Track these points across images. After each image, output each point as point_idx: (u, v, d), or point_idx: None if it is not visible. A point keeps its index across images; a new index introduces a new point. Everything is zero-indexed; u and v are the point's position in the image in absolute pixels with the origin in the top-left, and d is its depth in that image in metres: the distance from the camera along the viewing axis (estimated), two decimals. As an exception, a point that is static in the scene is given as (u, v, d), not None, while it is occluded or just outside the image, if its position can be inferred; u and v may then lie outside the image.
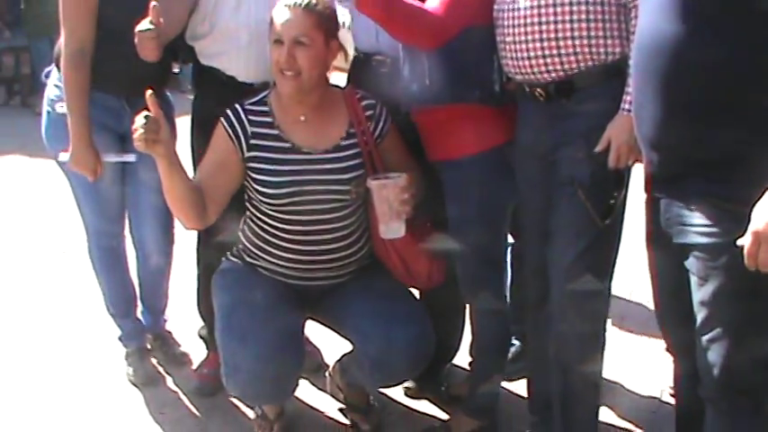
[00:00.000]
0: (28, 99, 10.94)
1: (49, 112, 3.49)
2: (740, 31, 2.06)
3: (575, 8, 2.58)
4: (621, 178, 2.64)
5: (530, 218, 2.92)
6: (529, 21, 2.64)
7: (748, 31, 2.06)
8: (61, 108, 3.34)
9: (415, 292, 3.27)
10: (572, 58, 2.62)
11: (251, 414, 3.39)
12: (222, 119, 2.98)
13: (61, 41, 3.29)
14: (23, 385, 3.79)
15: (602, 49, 2.61)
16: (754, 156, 2.07)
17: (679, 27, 2.13)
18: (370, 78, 3.21)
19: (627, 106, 2.49)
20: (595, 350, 2.85)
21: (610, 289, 2.90)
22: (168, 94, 3.58)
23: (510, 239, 3.32)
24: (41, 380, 3.84)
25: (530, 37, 2.65)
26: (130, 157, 3.37)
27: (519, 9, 2.66)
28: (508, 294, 3.26)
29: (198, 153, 3.27)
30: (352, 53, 3.27)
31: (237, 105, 3.00)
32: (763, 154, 2.03)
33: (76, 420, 3.50)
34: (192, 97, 3.52)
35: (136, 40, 2.82)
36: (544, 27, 2.62)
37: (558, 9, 2.59)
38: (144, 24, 2.80)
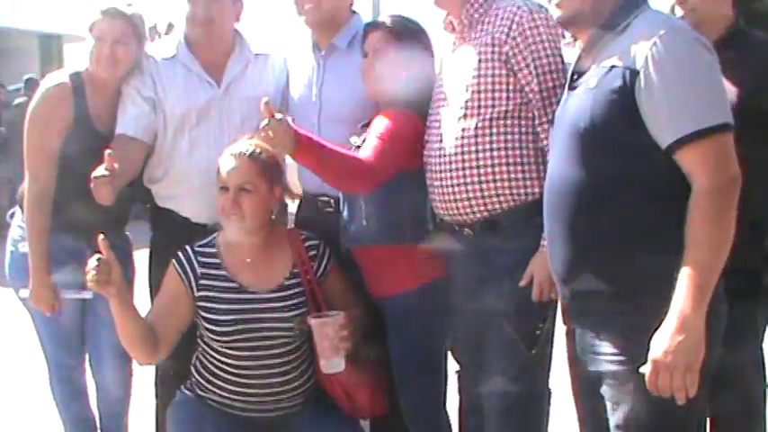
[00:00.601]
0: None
1: (12, 251, 3.61)
2: (636, 180, 2.26)
3: (495, 153, 2.81)
4: (546, 309, 2.81)
5: (464, 350, 3.08)
6: (454, 166, 2.86)
7: (643, 181, 2.26)
8: (23, 248, 3.48)
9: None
10: (494, 199, 2.83)
11: None
12: (173, 260, 3.13)
13: (25, 185, 3.46)
14: None
15: (522, 190, 2.82)
16: (653, 289, 2.23)
17: (581, 172, 2.33)
18: (315, 217, 3.39)
19: (546, 243, 2.66)
20: None
21: (546, 413, 3.01)
22: (127, 233, 3.73)
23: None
24: None
25: (455, 181, 2.86)
26: (88, 294, 3.46)
27: (444, 156, 2.89)
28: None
29: (155, 289, 3.41)
30: (299, 193, 3.45)
31: (188, 247, 3.16)
32: (660, 287, 2.18)
33: None
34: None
35: (91, 186, 2.94)
36: (467, 172, 2.83)
37: (480, 155, 2.82)
38: (99, 171, 2.93)
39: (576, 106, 2.36)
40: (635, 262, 2.27)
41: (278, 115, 2.71)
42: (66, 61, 19.87)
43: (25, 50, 19.40)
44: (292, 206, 3.66)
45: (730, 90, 2.86)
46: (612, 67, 2.27)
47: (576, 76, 2.45)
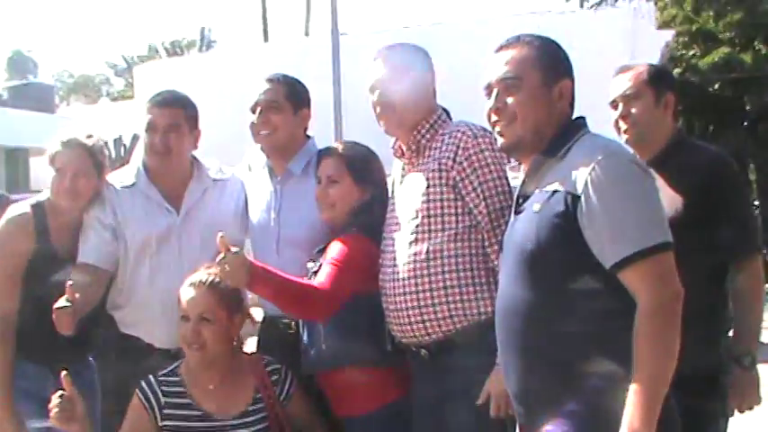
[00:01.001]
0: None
1: (-26, 382, 3.59)
2: (583, 298, 2.33)
3: (446, 276, 2.89)
4: (504, 426, 2.83)
5: None
6: (407, 290, 2.93)
7: (590, 300, 2.33)
8: (-15, 378, 3.46)
9: None
10: (449, 320, 2.90)
11: None
12: (137, 390, 3.14)
13: (-14, 313, 3.48)
14: None
15: (475, 310, 2.89)
16: (605, 404, 2.27)
17: (529, 293, 2.40)
18: (278, 339, 3.43)
19: (499, 360, 2.69)
20: None
21: None
22: (91, 359, 3.73)
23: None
24: None
25: (409, 304, 2.93)
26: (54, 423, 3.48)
27: (398, 279, 2.96)
28: None
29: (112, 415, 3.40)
30: (260, 317, 3.49)
31: (151, 377, 3.17)
32: (614, 402, 2.22)
33: None
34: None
35: (53, 316, 2.97)
36: (421, 295, 2.91)
37: (432, 278, 2.90)
38: (61, 302, 2.96)
39: (522, 230, 2.44)
40: (587, 379, 2.32)
41: (233, 249, 2.78)
42: (32, 173, 19.99)
43: (-9, 163, 19.52)
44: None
45: (674, 198, 3.00)
46: (555, 191, 2.36)
47: (521, 200, 2.54)
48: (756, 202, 19.37)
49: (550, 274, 2.37)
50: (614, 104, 3.29)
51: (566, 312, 2.34)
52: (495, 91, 2.54)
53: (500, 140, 2.58)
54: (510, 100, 2.50)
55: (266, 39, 37.72)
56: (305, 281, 3.08)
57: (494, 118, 2.56)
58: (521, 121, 2.49)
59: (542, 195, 2.41)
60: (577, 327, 2.32)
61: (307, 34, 36.73)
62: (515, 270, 2.46)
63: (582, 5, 24.70)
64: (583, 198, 2.30)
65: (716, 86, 22.34)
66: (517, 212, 2.55)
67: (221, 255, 2.77)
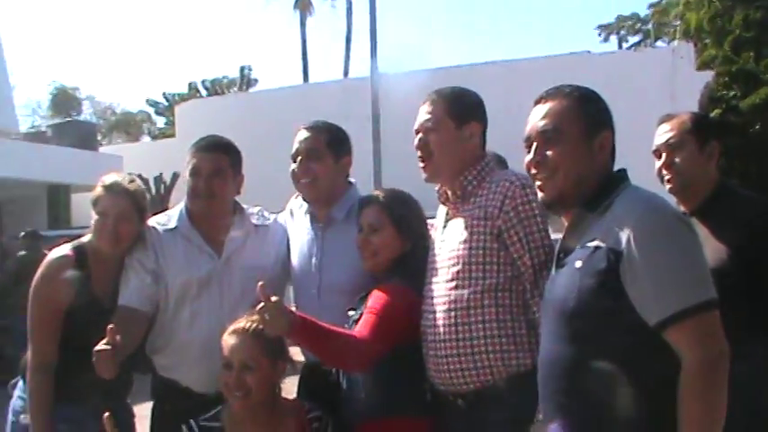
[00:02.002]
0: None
1: (13, 422, 3.59)
2: (626, 357, 2.27)
3: (487, 325, 2.86)
4: None
5: None
6: (447, 337, 2.91)
7: (634, 358, 2.27)
8: (25, 419, 3.47)
9: None
10: (487, 371, 2.86)
11: None
12: None
13: (27, 356, 3.50)
14: None
15: (514, 362, 2.86)
16: None
17: (568, 348, 2.36)
18: (319, 385, 3.39)
19: (540, 416, 2.65)
20: None
21: None
22: (128, 401, 3.73)
23: None
24: None
25: (448, 352, 2.90)
26: (91, 465, 3.49)
27: (438, 326, 2.94)
28: None
29: None
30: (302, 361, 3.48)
31: (192, 422, 3.15)
32: None
33: None
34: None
35: (93, 359, 2.96)
36: (461, 343, 2.88)
37: (473, 327, 2.88)
38: (101, 345, 2.96)
39: (564, 286, 2.40)
40: None
41: (273, 298, 2.77)
42: (74, 210, 20.22)
43: (33, 199, 19.75)
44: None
45: (719, 249, 2.96)
46: (597, 248, 2.32)
47: (562, 255, 2.51)
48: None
49: (592, 330, 2.33)
50: (657, 153, 3.27)
51: (608, 371, 2.28)
52: (534, 144, 2.53)
53: (540, 194, 2.56)
54: (550, 153, 2.49)
55: (306, 78, 38.09)
56: (345, 331, 3.06)
57: (533, 171, 2.55)
58: (562, 174, 2.48)
59: (584, 251, 2.37)
60: (621, 386, 2.27)
61: (346, 74, 37.05)
62: (556, 326, 2.43)
63: (621, 46, 24.69)
64: (625, 254, 2.26)
65: (757, 127, 22.16)
66: (558, 267, 2.52)
67: (261, 304, 2.77)
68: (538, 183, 2.55)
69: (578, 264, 2.36)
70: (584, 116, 2.50)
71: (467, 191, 3.06)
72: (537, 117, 2.54)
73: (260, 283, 2.79)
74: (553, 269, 2.58)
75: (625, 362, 2.28)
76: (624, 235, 2.28)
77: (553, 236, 2.90)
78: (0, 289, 11.90)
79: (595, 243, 2.34)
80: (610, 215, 2.38)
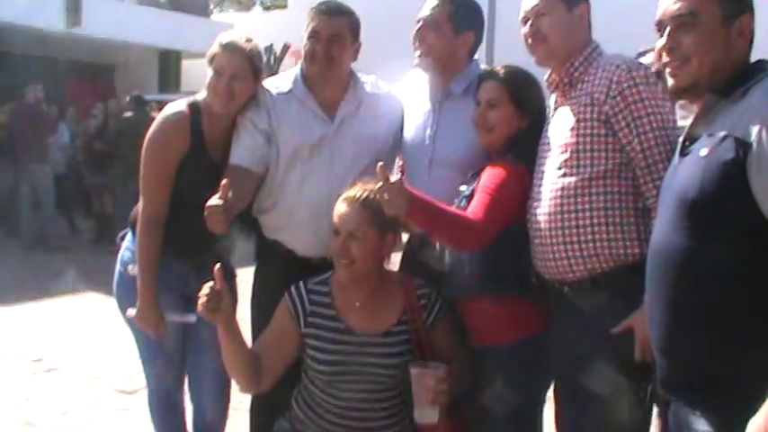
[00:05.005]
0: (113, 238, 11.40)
1: (120, 272, 3.70)
2: (744, 254, 2.15)
3: (595, 213, 2.78)
4: (649, 370, 2.63)
5: (562, 407, 3.03)
6: (552, 225, 2.84)
7: (752, 256, 2.15)
8: (132, 270, 3.56)
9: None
10: (594, 259, 2.79)
11: None
12: (286, 294, 3.17)
13: (138, 208, 3.56)
14: None
15: (621, 251, 2.77)
16: (755, 371, 2.10)
17: (685, 240, 2.23)
18: (420, 259, 3.37)
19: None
20: None
21: None
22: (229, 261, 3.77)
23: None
24: None
25: (554, 240, 2.84)
26: (192, 318, 3.54)
27: (544, 214, 2.87)
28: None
29: (257, 315, 3.50)
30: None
31: (301, 283, 3.18)
32: (763, 370, 2.06)
33: None
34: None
35: (206, 214, 2.98)
36: (566, 231, 2.81)
37: (579, 215, 2.80)
38: (214, 200, 2.97)
39: (686, 174, 2.27)
40: (738, 342, 2.17)
41: (393, 178, 2.75)
42: (184, 76, 20.47)
43: (145, 64, 20.01)
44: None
45: None
46: (725, 137, 2.17)
47: (687, 143, 2.37)
48: None
49: (712, 225, 2.20)
50: None
51: (723, 267, 2.17)
52: (667, 28, 2.37)
53: (670, 82, 2.41)
54: (684, 39, 2.33)
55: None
56: (460, 212, 3.00)
57: (665, 58, 2.39)
58: (696, 62, 2.32)
59: (711, 140, 2.22)
60: (736, 284, 2.16)
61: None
62: (673, 217, 2.30)
63: None
64: (755, 146, 2.10)
65: None
66: (683, 155, 2.38)
67: (380, 183, 2.74)
68: (669, 70, 2.40)
69: (703, 152, 2.22)
70: None
71: (573, 77, 2.96)
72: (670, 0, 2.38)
73: (380, 164, 2.78)
74: (676, 157, 2.45)
75: (742, 258, 2.16)
76: (755, 126, 2.11)
77: (681, 123, 2.78)
78: (102, 152, 12.20)
79: (724, 132, 2.19)
80: (743, 104, 2.22)
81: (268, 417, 3.45)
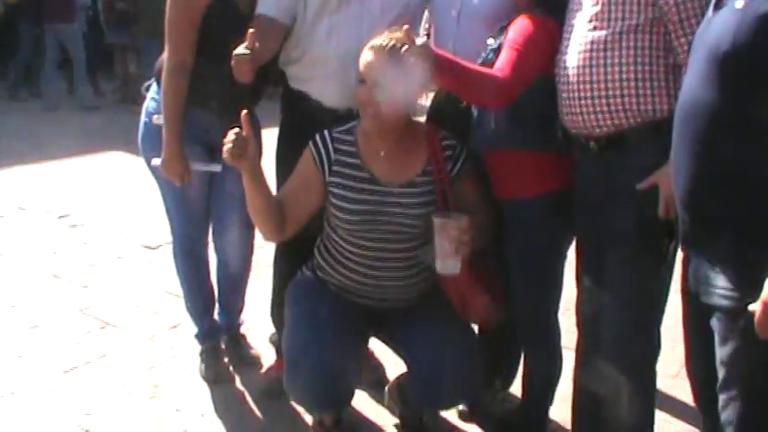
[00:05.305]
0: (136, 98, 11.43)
1: (146, 123, 3.71)
2: None
3: (623, 68, 2.72)
4: (672, 227, 2.66)
5: (583, 263, 3.05)
6: (581, 79, 2.79)
7: None
8: (158, 120, 3.56)
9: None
10: (621, 114, 2.75)
11: (310, 420, 3.52)
12: (311, 142, 3.17)
13: (164, 57, 3.53)
14: (103, 364, 4.04)
15: (650, 107, 2.72)
16: None
17: (716, 94, 2.21)
18: (447, 112, 3.37)
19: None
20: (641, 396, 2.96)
21: (659, 336, 2.98)
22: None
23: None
24: (120, 363, 4.08)
25: (581, 94, 2.79)
26: (216, 167, 3.59)
27: (572, 68, 2.82)
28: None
29: (281, 167, 3.51)
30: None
31: (326, 132, 3.18)
32: None
33: (147, 407, 3.72)
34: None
35: (232, 63, 2.96)
36: (595, 85, 2.76)
37: (608, 69, 2.74)
38: (241, 48, 2.94)
39: (720, 27, 2.22)
40: (762, 198, 2.18)
41: (419, 40, 2.71)
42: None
43: None
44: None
45: None
46: None
47: None
48: None
49: (742, 79, 2.16)
50: None
51: (753, 122, 2.15)
52: None
53: None
54: None
55: None
56: (486, 70, 2.95)
57: None
58: None
59: None
60: (765, 140, 2.15)
61: None
62: (704, 71, 2.26)
63: None
64: None
65: None
66: (717, 7, 2.33)
67: (406, 46, 2.71)
68: None
69: (739, 4, 2.17)
70: None
71: None
72: None
73: (405, 27, 2.74)
74: (710, 10, 2.39)
75: None
76: None
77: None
78: (125, 11, 12.04)
79: None
80: None
81: (292, 265, 3.50)
